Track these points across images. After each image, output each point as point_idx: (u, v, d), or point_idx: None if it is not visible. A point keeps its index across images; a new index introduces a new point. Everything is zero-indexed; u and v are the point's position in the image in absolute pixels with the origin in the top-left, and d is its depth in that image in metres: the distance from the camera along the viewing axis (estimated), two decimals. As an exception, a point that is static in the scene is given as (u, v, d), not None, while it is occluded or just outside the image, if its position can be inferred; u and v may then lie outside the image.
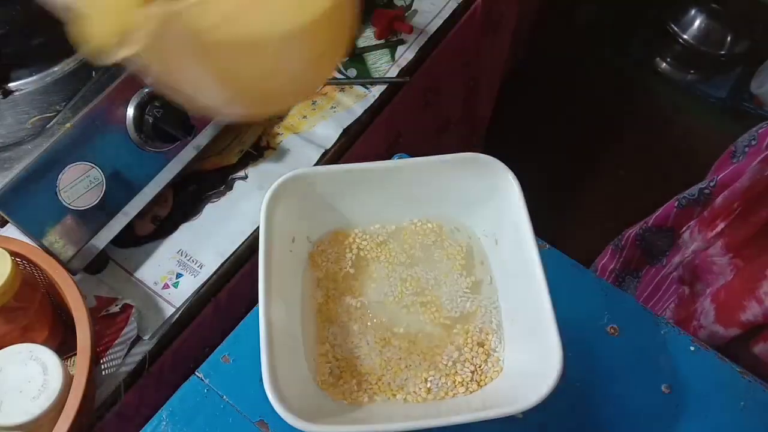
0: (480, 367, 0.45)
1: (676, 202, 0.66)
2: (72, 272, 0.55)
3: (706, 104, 1.62)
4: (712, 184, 0.61)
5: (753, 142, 0.64)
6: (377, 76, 0.74)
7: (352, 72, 0.75)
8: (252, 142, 0.69)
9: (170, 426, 0.48)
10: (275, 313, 0.41)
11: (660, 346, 0.50)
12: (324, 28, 0.33)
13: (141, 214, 0.61)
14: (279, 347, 0.40)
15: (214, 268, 0.62)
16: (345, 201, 0.50)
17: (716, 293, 0.55)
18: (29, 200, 0.53)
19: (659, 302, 0.68)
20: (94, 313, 0.57)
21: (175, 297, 0.61)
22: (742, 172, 0.58)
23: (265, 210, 0.45)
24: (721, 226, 0.56)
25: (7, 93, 0.59)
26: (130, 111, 0.57)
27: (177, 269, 0.62)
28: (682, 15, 1.61)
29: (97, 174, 0.56)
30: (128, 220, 0.59)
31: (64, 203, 0.54)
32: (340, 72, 0.75)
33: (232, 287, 0.64)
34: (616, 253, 0.77)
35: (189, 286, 0.61)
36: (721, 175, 0.60)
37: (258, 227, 0.54)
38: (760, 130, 0.64)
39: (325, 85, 0.73)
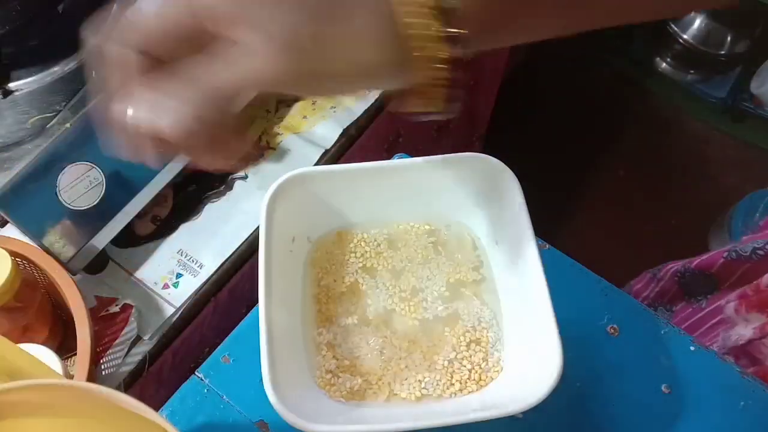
0: (479, 365, 0.45)
1: (725, 253, 0.65)
2: (72, 272, 0.55)
3: (706, 104, 1.62)
4: None
5: None
6: (377, 76, 0.74)
7: (352, 72, 0.75)
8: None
9: (170, 426, 0.48)
10: (275, 313, 0.41)
11: (660, 346, 0.50)
12: None
13: (141, 214, 0.61)
14: (279, 347, 0.40)
15: (214, 268, 0.62)
16: (345, 201, 0.50)
17: (759, 372, 0.56)
18: (29, 200, 0.53)
19: None
20: (94, 313, 0.57)
21: (175, 297, 0.61)
22: None
23: (265, 210, 0.45)
24: None
25: (7, 93, 0.59)
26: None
27: (177, 269, 0.62)
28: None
29: (97, 174, 0.56)
30: (128, 220, 0.59)
31: (64, 203, 0.54)
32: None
33: (232, 287, 0.64)
34: (652, 282, 0.76)
35: (189, 286, 0.61)
36: None
37: (258, 227, 0.54)
38: None
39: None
